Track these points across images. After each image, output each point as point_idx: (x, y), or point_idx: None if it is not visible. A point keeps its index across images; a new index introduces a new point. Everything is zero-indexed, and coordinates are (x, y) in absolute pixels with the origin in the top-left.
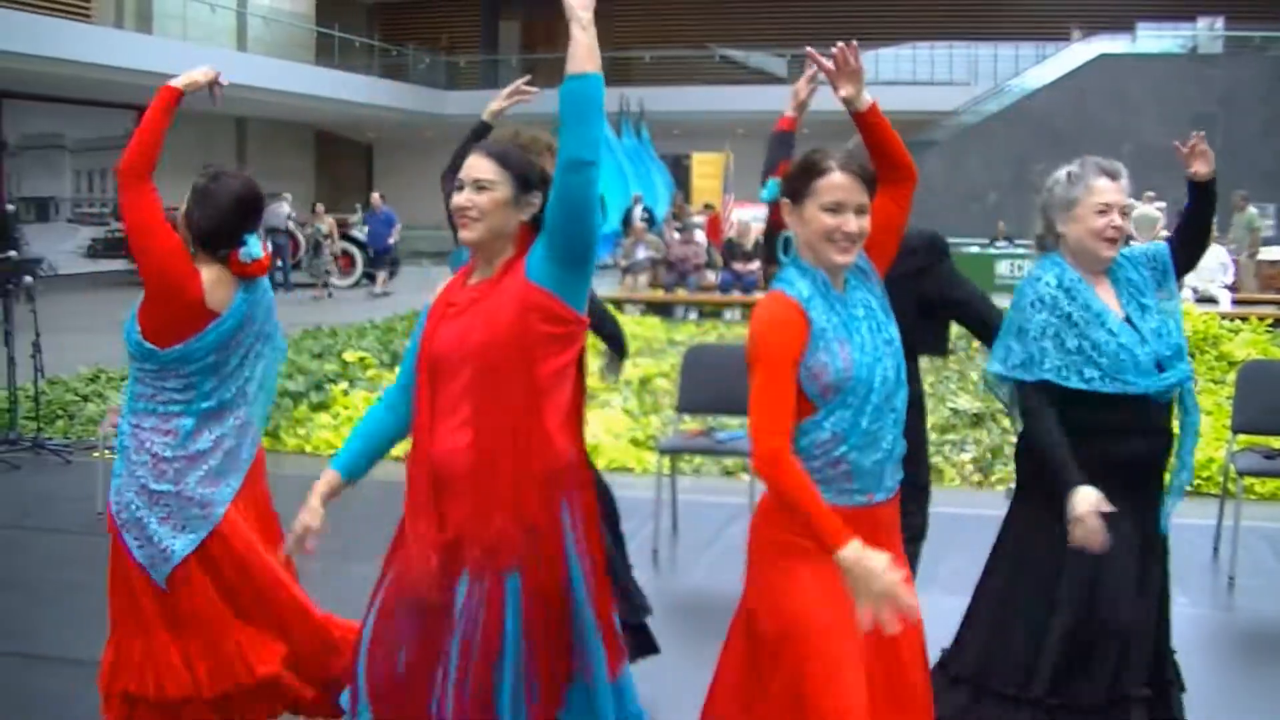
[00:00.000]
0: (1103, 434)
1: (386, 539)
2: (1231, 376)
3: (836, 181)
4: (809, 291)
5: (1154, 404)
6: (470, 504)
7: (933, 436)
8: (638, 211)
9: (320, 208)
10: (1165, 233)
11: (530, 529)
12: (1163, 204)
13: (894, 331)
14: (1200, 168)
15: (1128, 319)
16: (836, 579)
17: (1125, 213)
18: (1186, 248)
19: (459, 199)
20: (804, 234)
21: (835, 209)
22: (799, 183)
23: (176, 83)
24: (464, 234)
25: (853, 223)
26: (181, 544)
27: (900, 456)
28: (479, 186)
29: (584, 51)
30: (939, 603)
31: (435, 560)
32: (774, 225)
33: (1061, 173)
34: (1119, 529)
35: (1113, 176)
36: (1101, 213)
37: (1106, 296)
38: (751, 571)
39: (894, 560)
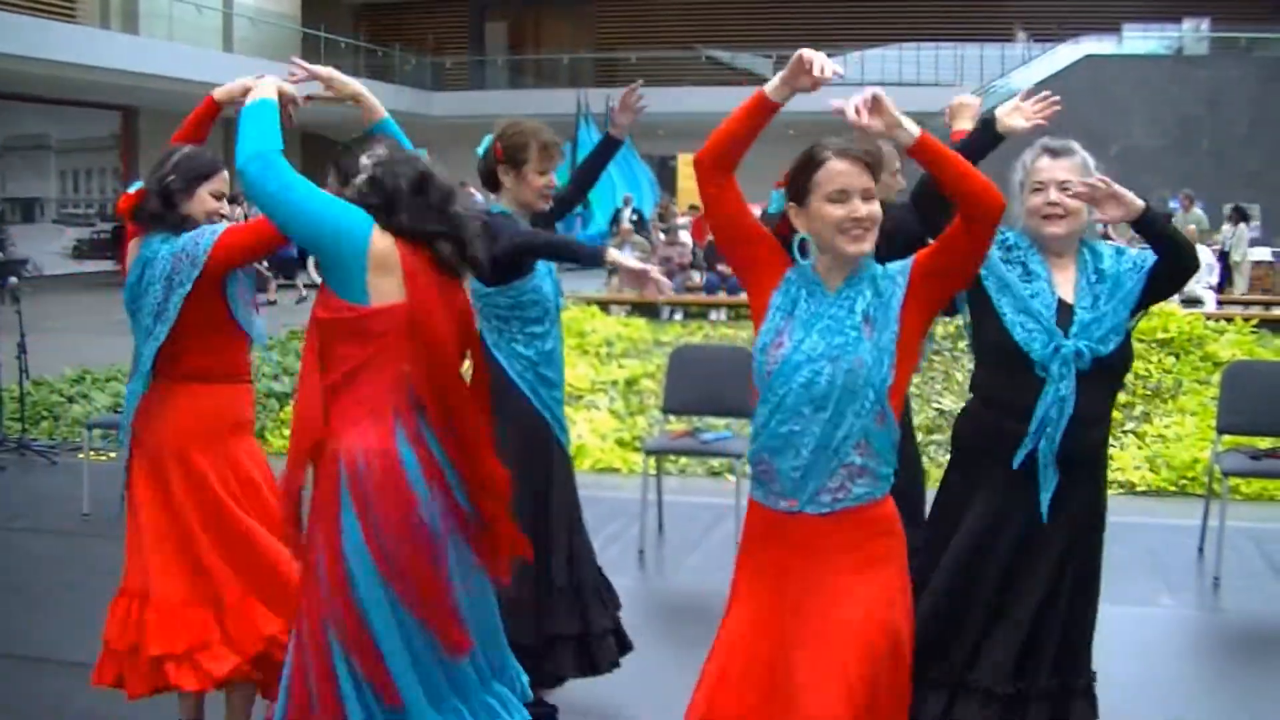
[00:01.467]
0: (1004, 408)
1: None
2: (1217, 377)
3: (837, 169)
4: (795, 277)
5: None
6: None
7: (918, 436)
8: (626, 213)
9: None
10: None
11: (313, 519)
12: None
13: (857, 342)
14: (1110, 212)
15: (1071, 306)
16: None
17: (1066, 188)
18: (1159, 280)
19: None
20: (815, 231)
21: (840, 198)
22: (800, 181)
23: (216, 94)
24: None
25: (861, 208)
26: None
27: (839, 473)
28: None
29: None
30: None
31: None
32: (780, 235)
33: (1019, 160)
34: (991, 513)
35: (1055, 154)
36: (1036, 190)
37: (1061, 277)
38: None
39: (822, 583)
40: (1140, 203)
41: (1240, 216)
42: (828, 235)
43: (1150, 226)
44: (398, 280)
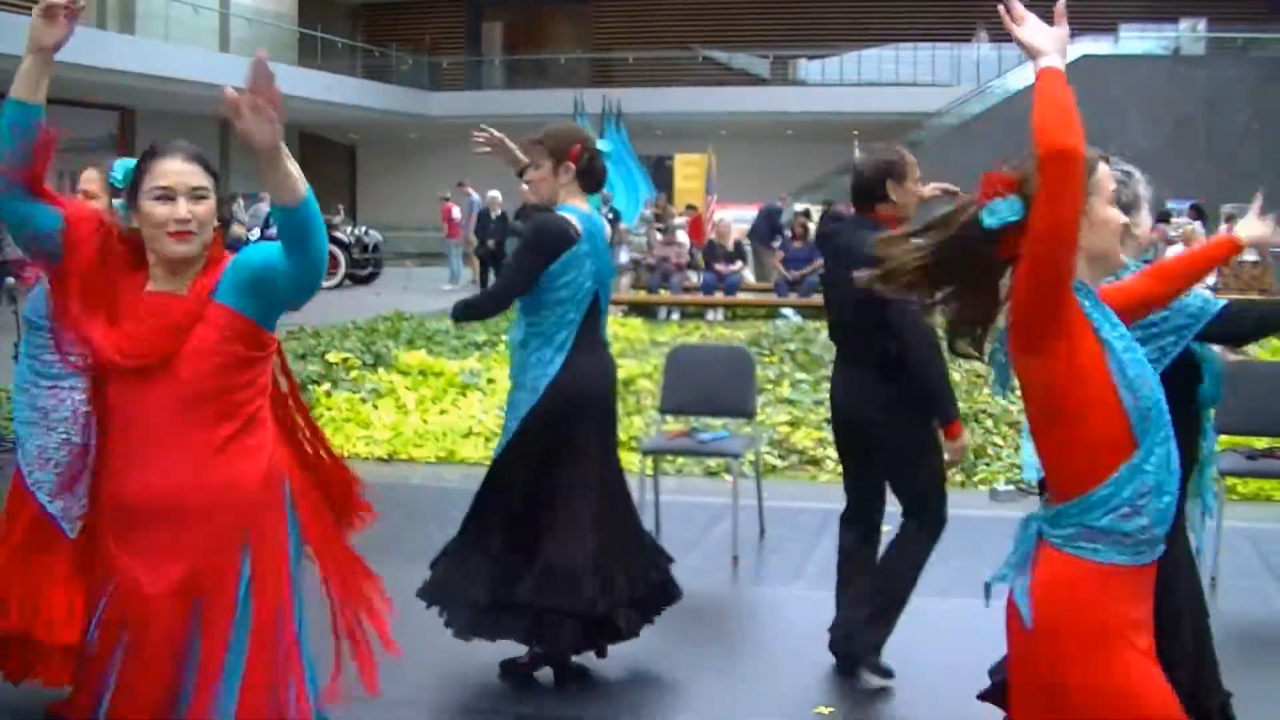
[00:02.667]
0: None
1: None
2: None
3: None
4: (1083, 292)
5: None
6: (163, 544)
7: None
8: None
9: None
10: None
11: (207, 572)
12: None
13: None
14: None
15: None
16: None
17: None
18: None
19: (178, 211)
20: (1090, 239)
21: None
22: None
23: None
24: (182, 248)
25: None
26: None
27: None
28: (197, 196)
29: (289, 179)
30: (923, 605)
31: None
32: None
33: None
34: None
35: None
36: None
37: None
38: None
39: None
40: None
41: (1198, 214)
42: (1109, 240)
43: None
44: None
